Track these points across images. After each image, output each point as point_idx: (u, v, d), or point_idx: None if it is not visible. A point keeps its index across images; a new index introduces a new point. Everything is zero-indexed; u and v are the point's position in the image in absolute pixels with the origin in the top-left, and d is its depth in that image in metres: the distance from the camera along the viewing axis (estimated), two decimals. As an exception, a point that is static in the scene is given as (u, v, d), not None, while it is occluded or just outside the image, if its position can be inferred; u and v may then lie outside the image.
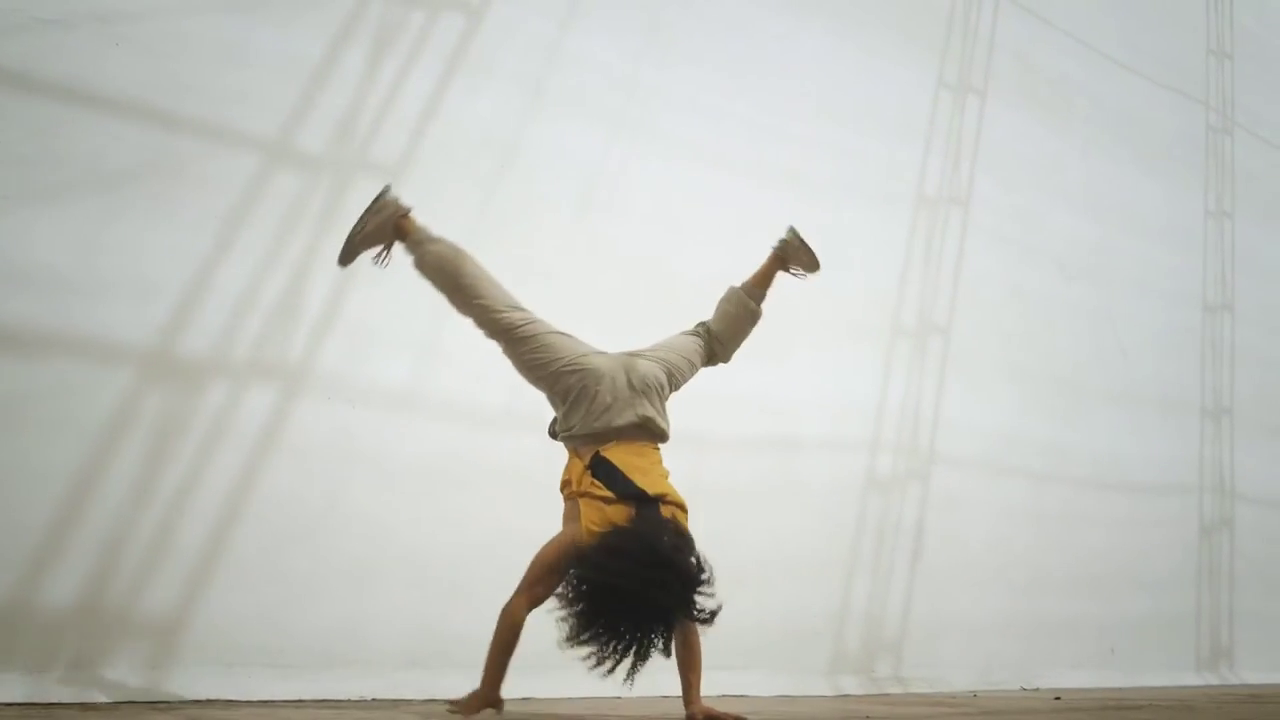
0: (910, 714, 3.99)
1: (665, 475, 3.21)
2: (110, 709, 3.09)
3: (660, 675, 4.39)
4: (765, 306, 3.83)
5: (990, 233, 6.23)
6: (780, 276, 3.76)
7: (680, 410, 4.81)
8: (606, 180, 4.80)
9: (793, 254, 3.73)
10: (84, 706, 3.10)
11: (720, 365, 3.73)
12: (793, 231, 3.72)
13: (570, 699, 3.99)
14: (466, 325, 3.74)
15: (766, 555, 4.83)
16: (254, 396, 3.74)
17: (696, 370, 3.55)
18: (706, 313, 4.97)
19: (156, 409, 3.54)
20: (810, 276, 3.79)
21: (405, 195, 4.15)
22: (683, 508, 3.15)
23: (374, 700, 3.63)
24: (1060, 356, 6.44)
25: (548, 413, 3.45)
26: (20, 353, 3.32)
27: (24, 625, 3.20)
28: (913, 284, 5.90)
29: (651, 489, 3.05)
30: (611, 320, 4.67)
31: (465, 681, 3.42)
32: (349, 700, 3.61)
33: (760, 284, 3.69)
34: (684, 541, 2.94)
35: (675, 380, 3.42)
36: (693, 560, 2.90)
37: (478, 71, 4.49)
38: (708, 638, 4.59)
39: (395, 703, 3.60)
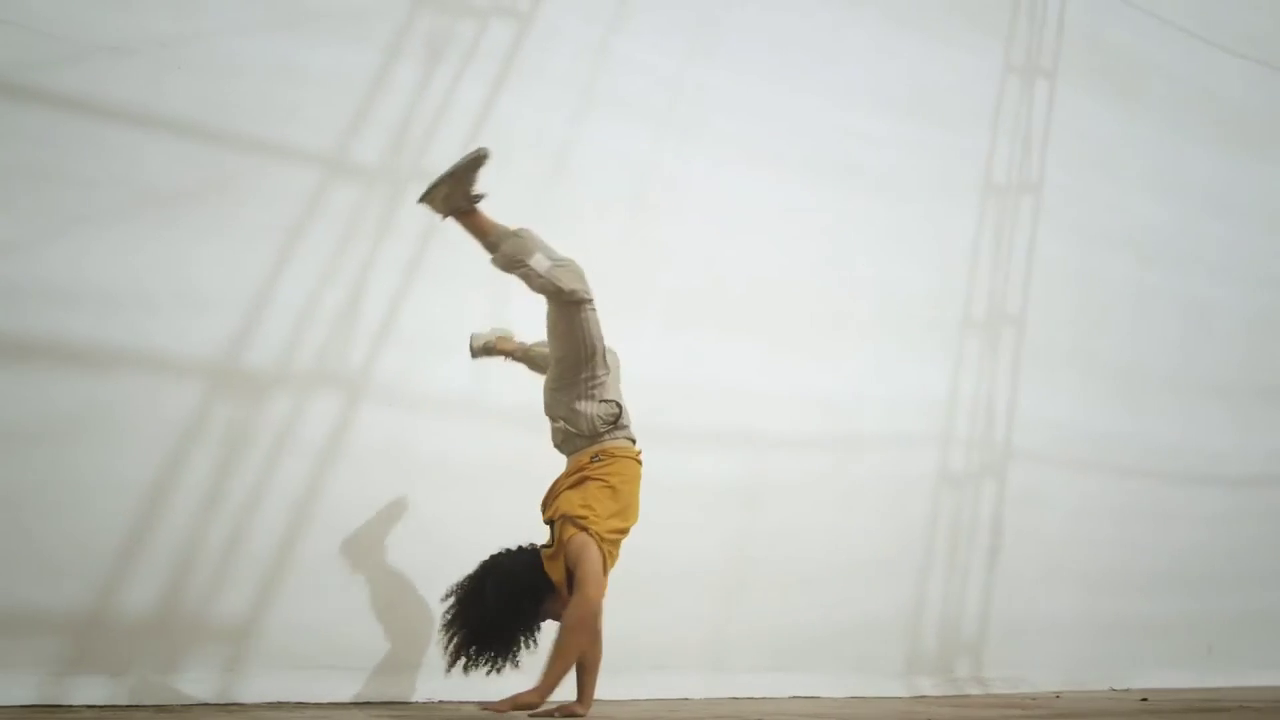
0: (977, 716, 3.88)
1: None
2: (184, 711, 3.18)
3: (722, 677, 4.38)
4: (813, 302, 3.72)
5: (1063, 219, 6.03)
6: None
7: (741, 410, 4.78)
8: (658, 181, 4.78)
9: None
10: (159, 709, 3.20)
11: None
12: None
13: (635, 700, 3.97)
14: (525, 329, 3.79)
15: (832, 554, 4.75)
16: (317, 405, 3.81)
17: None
18: (759, 311, 4.95)
19: (223, 420, 3.63)
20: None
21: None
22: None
23: (440, 702, 3.67)
24: (1143, 345, 6.20)
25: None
26: (91, 369, 3.44)
27: (104, 631, 3.31)
28: (983, 274, 5.75)
29: None
30: (666, 321, 4.68)
31: (526, 683, 3.44)
32: (416, 703, 3.66)
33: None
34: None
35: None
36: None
37: (527, 77, 4.51)
38: (776, 638, 4.57)
39: (460, 704, 3.63)
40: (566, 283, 3.17)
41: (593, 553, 3.03)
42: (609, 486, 3.14)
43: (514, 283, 3.87)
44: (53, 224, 3.49)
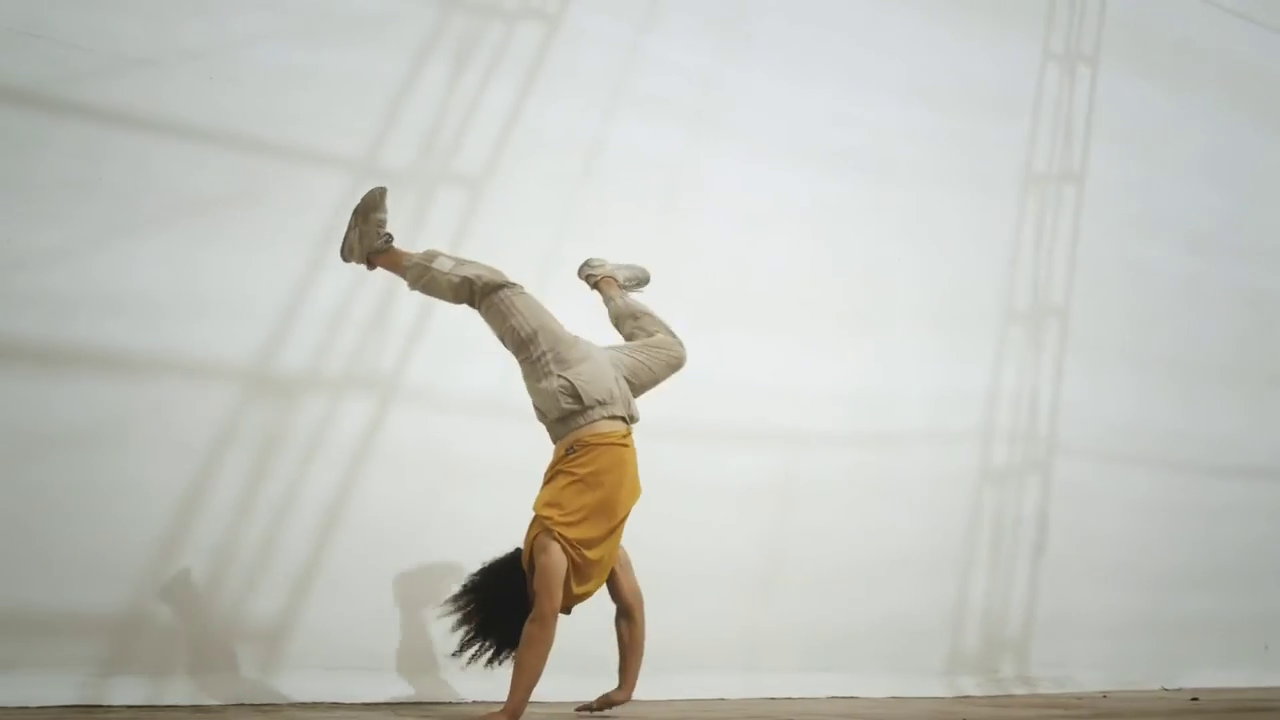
0: (1017, 716, 3.81)
1: None
2: (219, 711, 3.23)
3: (757, 677, 4.34)
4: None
5: (1108, 208, 5.89)
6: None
7: (775, 407, 4.74)
8: (688, 179, 4.76)
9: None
10: (195, 708, 3.25)
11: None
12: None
13: (668, 700, 3.96)
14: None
15: (870, 552, 4.70)
16: (349, 408, 3.85)
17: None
18: (793, 307, 4.90)
19: (257, 424, 3.69)
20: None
21: (489, 203, 4.31)
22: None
23: (475, 702, 3.68)
24: (1194, 335, 6.04)
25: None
26: (127, 375, 3.51)
27: (142, 632, 3.37)
28: (1024, 266, 5.64)
29: None
30: (698, 319, 4.65)
31: (563, 683, 3.45)
32: (449, 703, 3.68)
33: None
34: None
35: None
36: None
37: (557, 78, 4.52)
38: (812, 637, 4.52)
39: (493, 704, 3.63)
40: (472, 270, 3.15)
41: (551, 558, 2.93)
42: (578, 480, 3.00)
43: (549, 284, 3.94)
44: (93, 234, 3.56)
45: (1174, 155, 6.17)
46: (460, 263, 3.21)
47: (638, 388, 3.29)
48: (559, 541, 2.94)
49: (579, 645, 3.25)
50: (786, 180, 5.03)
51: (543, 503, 3.04)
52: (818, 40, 5.24)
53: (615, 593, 3.16)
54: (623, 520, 3.09)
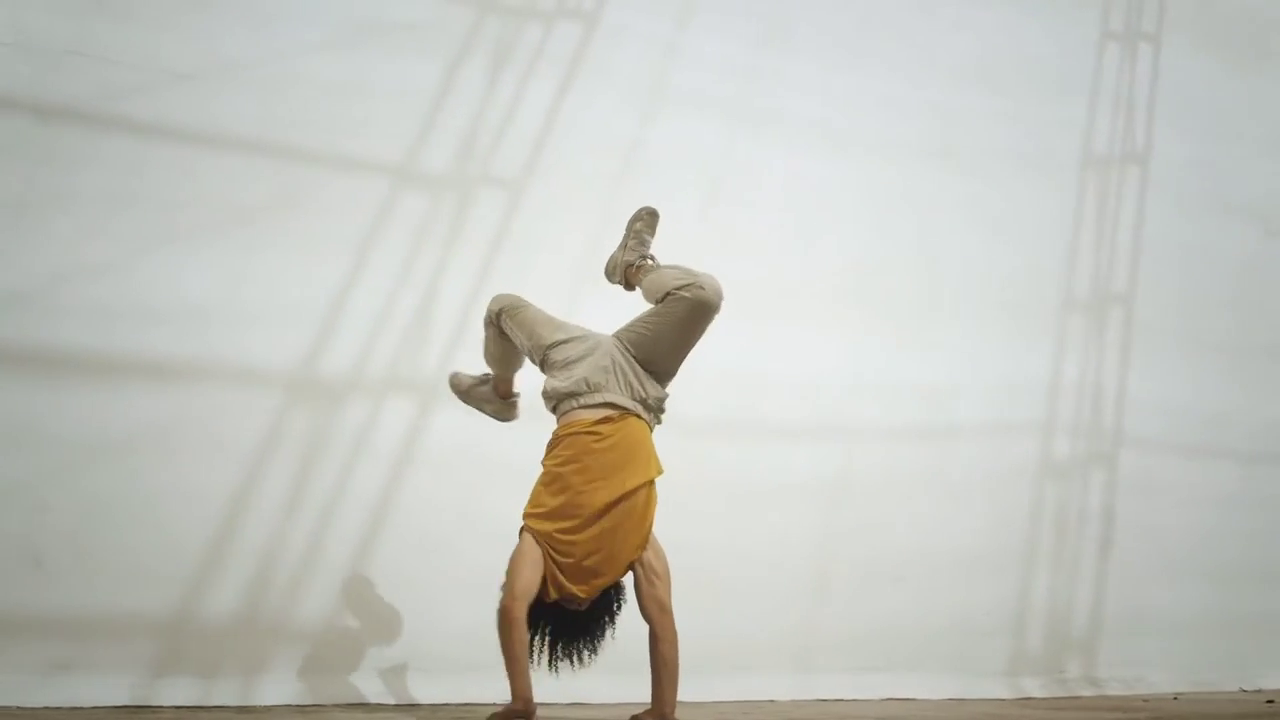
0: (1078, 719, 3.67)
1: None
2: (264, 712, 3.27)
3: (808, 679, 4.26)
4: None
5: (1174, 190, 5.67)
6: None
7: (826, 403, 4.65)
8: (732, 173, 4.70)
9: None
10: (241, 709, 3.30)
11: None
12: None
13: (717, 702, 3.90)
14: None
15: (926, 550, 4.59)
16: (392, 411, 3.88)
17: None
18: (843, 300, 4.80)
19: (301, 428, 3.73)
20: None
21: (528, 205, 4.30)
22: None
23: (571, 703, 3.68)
24: (1264, 322, 5.77)
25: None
26: (174, 383, 3.58)
27: (190, 634, 3.43)
28: (1085, 252, 5.46)
29: None
30: (746, 314, 4.58)
31: (604, 683, 3.43)
32: (491, 704, 3.67)
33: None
34: None
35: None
36: None
37: (596, 77, 4.50)
38: (867, 637, 4.42)
39: (543, 705, 3.62)
40: (487, 313, 3.29)
41: (520, 548, 2.88)
42: (547, 473, 2.98)
43: (584, 287, 3.94)
44: (138, 246, 3.64)
45: (1243, 132, 5.92)
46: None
47: (657, 357, 3.09)
48: (529, 533, 2.90)
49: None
50: (836, 170, 4.94)
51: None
52: (865, 24, 5.14)
53: (639, 604, 2.97)
54: (604, 511, 2.87)
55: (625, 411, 3.01)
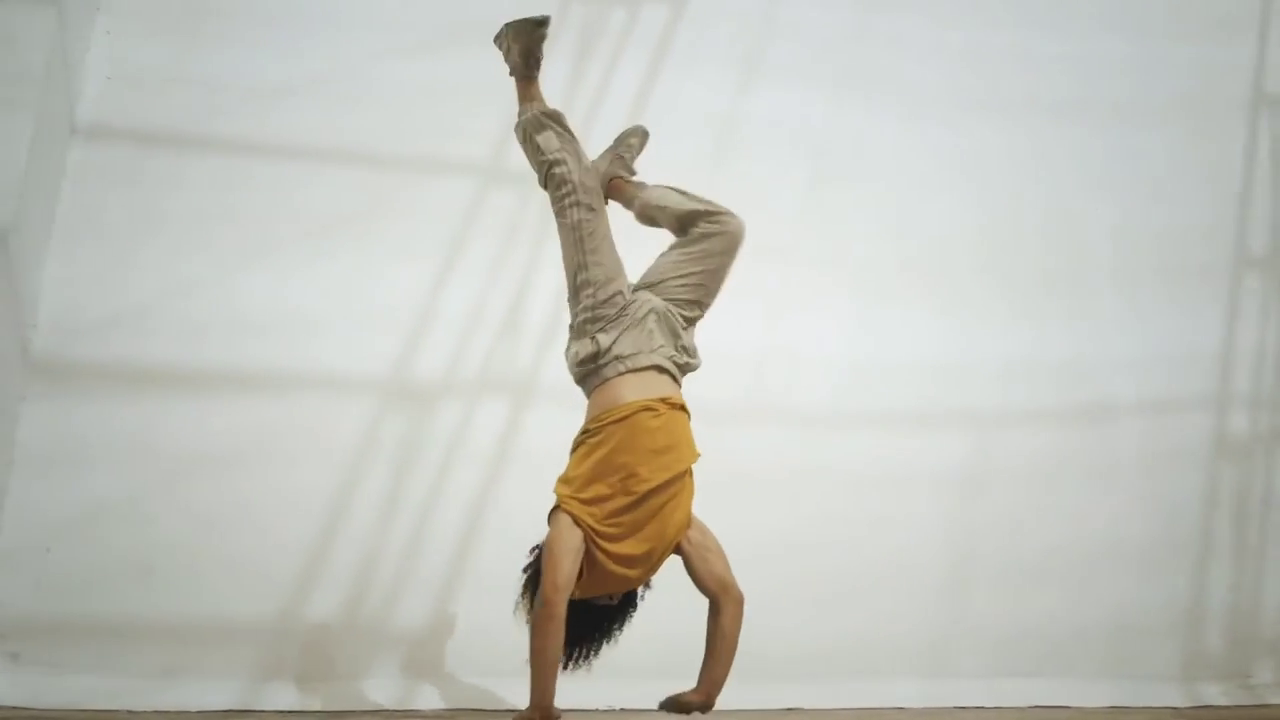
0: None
1: None
2: (362, 717, 3.26)
3: (943, 684, 3.91)
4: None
5: (1368, 125, 4.96)
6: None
7: (956, 386, 4.29)
8: (838, 145, 4.43)
9: None
10: (336, 714, 3.29)
11: None
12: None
13: (841, 709, 3.64)
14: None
15: (1074, 542, 4.16)
16: (485, 412, 3.83)
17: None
18: (971, 274, 4.41)
19: (396, 432, 3.73)
20: None
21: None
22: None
23: (621, 710, 3.54)
24: None
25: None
26: (270, 393, 3.65)
27: (291, 639, 3.47)
28: (1261, 203, 4.84)
29: None
30: (859, 294, 4.31)
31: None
32: (599, 710, 3.55)
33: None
34: None
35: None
36: None
37: (687, 58, 4.34)
38: (1009, 639, 4.03)
39: (640, 713, 3.47)
40: (550, 152, 2.88)
41: (557, 530, 2.60)
42: (594, 447, 2.68)
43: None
44: (232, 262, 3.75)
45: None
46: (565, 143, 2.97)
47: (709, 301, 2.90)
48: (569, 516, 2.62)
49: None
50: (957, 134, 4.59)
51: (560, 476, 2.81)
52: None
53: (697, 584, 2.75)
54: (656, 490, 2.64)
55: (677, 385, 2.78)
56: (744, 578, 3.65)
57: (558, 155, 2.90)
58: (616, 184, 3.12)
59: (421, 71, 4.05)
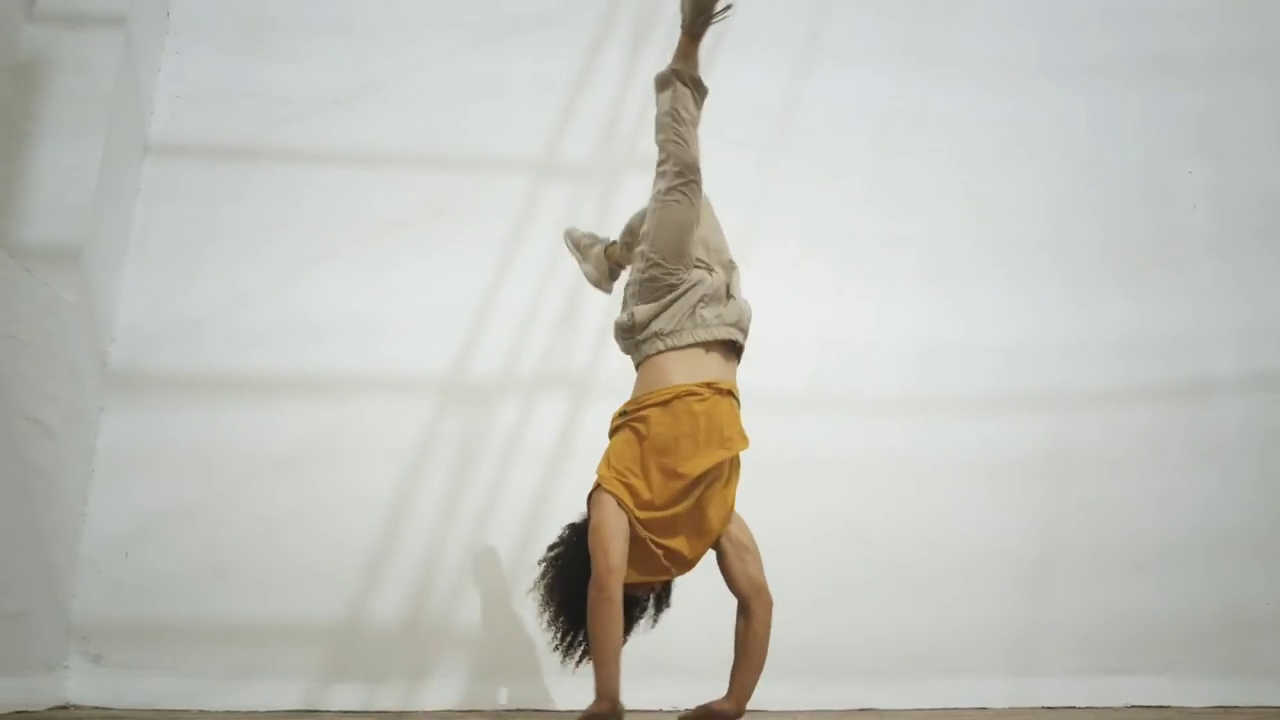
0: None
1: None
2: (426, 716, 3.27)
3: (1029, 682, 3.71)
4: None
5: None
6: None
7: (1039, 367, 4.07)
8: (903, 121, 4.27)
9: None
10: (400, 715, 3.31)
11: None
12: None
13: (921, 710, 3.49)
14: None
15: (1173, 530, 3.89)
16: (543, 409, 3.80)
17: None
18: (1049, 249, 4.19)
19: (456, 431, 3.74)
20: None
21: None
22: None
23: (672, 710, 3.45)
24: None
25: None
26: (331, 395, 3.70)
27: (357, 639, 3.51)
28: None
29: None
30: (929, 274, 4.14)
31: (771, 689, 3.14)
32: (658, 710, 3.48)
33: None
34: None
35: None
36: None
37: (741, 44, 4.23)
38: (1101, 634, 3.79)
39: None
40: (676, 132, 2.66)
41: (603, 512, 2.48)
42: (641, 431, 2.55)
43: (744, 262, 3.64)
44: (294, 268, 3.82)
45: None
46: (691, 132, 2.74)
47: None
48: (611, 498, 2.52)
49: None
50: (1033, 101, 4.38)
51: (601, 460, 2.69)
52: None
53: (729, 582, 2.63)
54: (701, 479, 2.52)
55: (730, 364, 2.68)
56: (810, 567, 3.57)
57: (687, 134, 2.70)
58: (611, 255, 3.14)
59: (476, 69, 4.08)
